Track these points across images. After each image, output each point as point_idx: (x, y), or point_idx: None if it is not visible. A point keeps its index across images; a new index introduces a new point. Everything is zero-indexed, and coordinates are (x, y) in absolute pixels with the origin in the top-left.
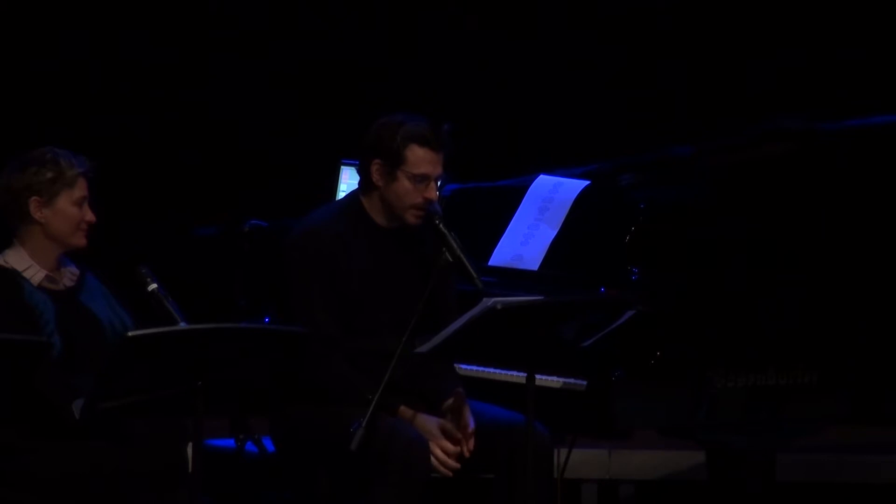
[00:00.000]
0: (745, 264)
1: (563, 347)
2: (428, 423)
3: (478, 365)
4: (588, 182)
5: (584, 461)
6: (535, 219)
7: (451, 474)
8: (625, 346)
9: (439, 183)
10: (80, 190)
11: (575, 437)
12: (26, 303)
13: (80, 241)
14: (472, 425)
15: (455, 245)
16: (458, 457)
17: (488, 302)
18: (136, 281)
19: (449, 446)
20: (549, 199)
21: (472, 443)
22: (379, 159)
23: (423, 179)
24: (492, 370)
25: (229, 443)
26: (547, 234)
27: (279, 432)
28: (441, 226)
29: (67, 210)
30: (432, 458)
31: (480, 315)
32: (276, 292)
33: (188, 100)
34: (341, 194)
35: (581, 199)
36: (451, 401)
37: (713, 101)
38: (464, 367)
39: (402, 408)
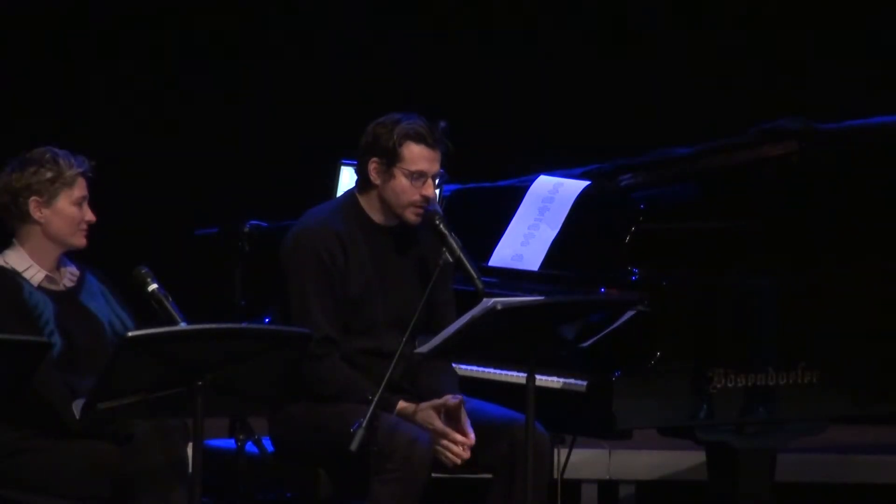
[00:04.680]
0: (744, 264)
1: (563, 347)
2: (426, 412)
3: (478, 365)
4: (588, 182)
5: (584, 461)
6: (536, 219)
7: (459, 462)
8: (625, 346)
9: (437, 181)
10: (80, 190)
11: (575, 437)
12: (26, 303)
13: (79, 241)
14: (471, 436)
15: (455, 245)
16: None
17: (488, 302)
18: (136, 281)
19: (454, 435)
20: (549, 199)
21: (468, 452)
22: (376, 157)
23: (420, 176)
24: (492, 370)
25: (229, 443)
26: (547, 234)
27: (279, 432)
28: (441, 226)
29: (67, 210)
30: (440, 451)
31: (480, 315)
32: (276, 292)
33: (188, 99)
34: None
35: (581, 199)
36: (449, 397)
37: (713, 100)
38: (464, 367)
39: (402, 404)
